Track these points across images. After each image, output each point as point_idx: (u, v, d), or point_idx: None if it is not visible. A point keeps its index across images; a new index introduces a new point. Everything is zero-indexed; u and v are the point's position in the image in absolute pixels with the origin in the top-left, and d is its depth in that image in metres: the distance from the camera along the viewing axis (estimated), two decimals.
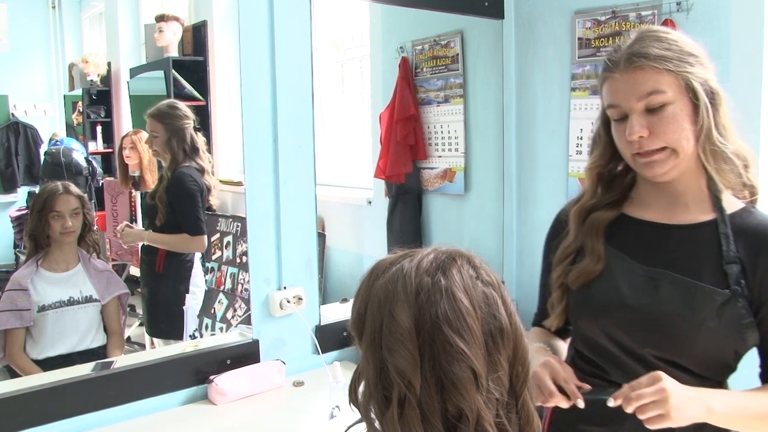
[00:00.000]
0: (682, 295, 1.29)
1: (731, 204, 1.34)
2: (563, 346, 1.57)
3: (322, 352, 2.30)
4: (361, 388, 0.95)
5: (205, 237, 2.90)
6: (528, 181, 2.94)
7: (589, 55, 2.63)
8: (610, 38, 2.56)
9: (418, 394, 0.86)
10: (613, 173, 1.44)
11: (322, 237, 3.65)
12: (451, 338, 0.86)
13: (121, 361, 2.15)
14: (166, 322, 2.85)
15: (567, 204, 1.55)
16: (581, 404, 1.27)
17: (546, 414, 1.54)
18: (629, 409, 1.19)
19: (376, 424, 0.92)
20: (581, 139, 2.68)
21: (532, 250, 2.95)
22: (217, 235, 3.66)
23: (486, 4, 2.84)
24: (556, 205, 2.75)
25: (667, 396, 1.17)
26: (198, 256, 3.00)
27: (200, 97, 4.11)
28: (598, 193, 1.44)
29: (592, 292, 1.39)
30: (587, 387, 1.30)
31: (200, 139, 2.86)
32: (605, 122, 1.39)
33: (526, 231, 2.97)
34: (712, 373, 1.34)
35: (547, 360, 1.35)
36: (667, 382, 1.19)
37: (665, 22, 2.37)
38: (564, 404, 1.30)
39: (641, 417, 1.19)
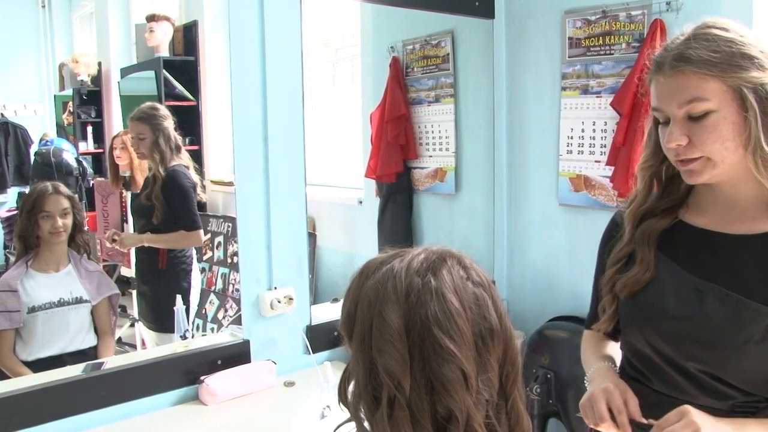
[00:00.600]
0: (728, 312, 1.24)
1: None
2: (618, 349, 1.52)
3: (313, 352, 2.30)
4: (350, 388, 0.95)
5: (201, 231, 2.95)
6: (518, 181, 2.95)
7: (579, 54, 2.64)
8: (600, 38, 2.57)
9: (408, 394, 0.87)
10: (670, 173, 1.36)
11: (313, 237, 3.65)
12: (441, 339, 0.86)
13: (112, 362, 2.15)
14: (172, 316, 2.87)
15: (621, 207, 1.49)
16: None
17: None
18: None
19: (366, 424, 0.93)
20: (572, 138, 2.68)
21: (522, 250, 2.96)
22: (208, 236, 3.66)
23: (476, 3, 2.84)
24: (547, 204, 2.81)
25: (698, 428, 1.13)
26: (194, 252, 3.03)
27: (191, 97, 4.11)
28: (653, 195, 1.38)
29: (640, 301, 1.35)
30: (644, 421, 1.26)
31: (179, 138, 2.94)
32: (657, 121, 1.31)
33: (517, 230, 2.98)
34: (761, 390, 1.27)
35: (608, 386, 1.31)
36: (695, 415, 1.15)
37: (655, 22, 2.37)
38: None
39: None
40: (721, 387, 1.27)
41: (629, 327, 1.40)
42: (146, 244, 2.91)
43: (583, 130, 2.65)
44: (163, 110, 2.93)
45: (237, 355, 2.20)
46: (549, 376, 2.61)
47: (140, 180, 3.21)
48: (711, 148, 1.19)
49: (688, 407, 1.17)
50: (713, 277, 1.27)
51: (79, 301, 2.51)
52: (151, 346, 2.94)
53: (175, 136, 2.91)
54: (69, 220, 2.52)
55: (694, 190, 1.36)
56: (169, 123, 2.89)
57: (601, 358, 1.47)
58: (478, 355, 0.89)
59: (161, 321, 2.93)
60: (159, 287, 2.95)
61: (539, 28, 2.79)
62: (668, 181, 1.37)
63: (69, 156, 3.86)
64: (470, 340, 0.88)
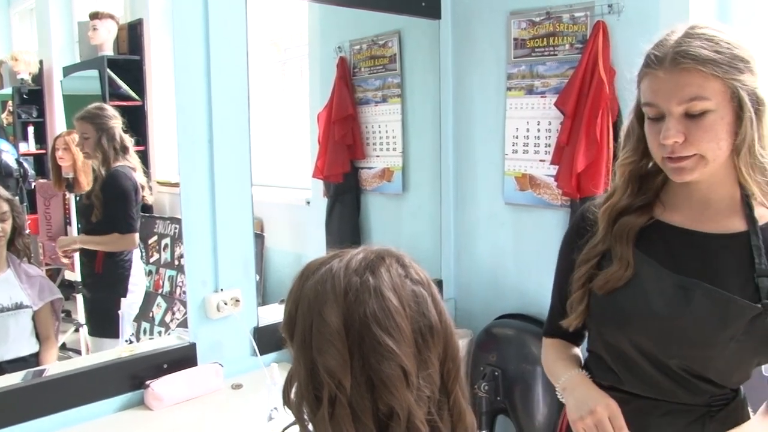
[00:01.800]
0: (714, 308, 1.25)
1: (763, 216, 1.29)
2: (580, 355, 1.53)
3: (261, 354, 2.28)
4: (294, 389, 0.95)
5: (136, 235, 2.93)
6: (465, 180, 2.97)
7: (524, 55, 2.67)
8: (545, 39, 2.61)
9: (349, 393, 0.87)
10: (645, 171, 1.36)
11: (260, 238, 3.63)
12: (380, 337, 0.87)
13: (54, 368, 2.10)
14: (108, 322, 2.83)
15: (590, 203, 1.47)
16: None
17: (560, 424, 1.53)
18: None
19: (309, 425, 0.93)
20: (517, 138, 2.72)
21: (469, 249, 2.99)
22: (155, 238, 3.61)
23: (423, 4, 2.85)
24: (493, 203, 2.84)
25: None
26: (137, 255, 2.99)
27: (136, 97, 4.05)
28: (629, 192, 1.36)
29: (619, 299, 1.33)
30: None
31: (128, 139, 2.92)
32: (639, 116, 1.30)
33: (464, 230, 3.00)
34: (732, 383, 1.33)
35: (611, 404, 1.30)
36: None
37: (597, 24, 2.42)
38: None
39: None
40: (699, 383, 1.29)
41: (608, 325, 1.37)
42: (79, 245, 2.88)
43: (528, 130, 2.69)
44: (109, 110, 2.91)
45: (183, 358, 2.17)
46: (496, 373, 2.64)
47: (84, 181, 3.16)
48: (706, 146, 1.19)
49: None
50: (694, 274, 1.28)
51: (19, 306, 2.45)
52: (98, 347, 2.90)
53: (122, 137, 2.89)
54: (8, 224, 2.45)
55: (668, 188, 1.37)
56: (115, 123, 2.87)
57: (572, 366, 1.45)
58: (418, 352, 0.90)
59: (97, 326, 2.90)
60: (96, 291, 2.92)
61: (485, 28, 2.82)
62: (643, 178, 1.37)
63: (9, 157, 3.77)
64: (410, 338, 0.89)
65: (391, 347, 0.87)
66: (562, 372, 1.43)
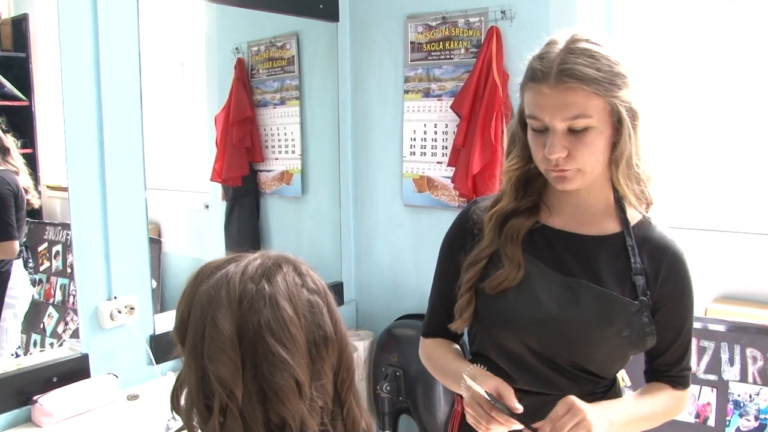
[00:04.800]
0: (601, 306, 1.31)
1: (632, 216, 1.37)
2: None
3: (157, 363, 2.23)
4: (184, 395, 0.92)
5: (15, 242, 2.77)
6: (364, 182, 2.99)
7: (421, 58, 2.71)
8: (441, 43, 2.65)
9: (240, 403, 0.86)
10: (529, 175, 1.40)
11: (157, 243, 3.52)
12: (274, 347, 0.86)
13: None
14: None
15: (475, 206, 1.49)
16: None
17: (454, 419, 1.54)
18: None
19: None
20: (414, 140, 2.75)
21: (369, 251, 3.00)
22: (45, 245, 3.45)
23: (321, 6, 2.85)
24: (392, 205, 2.87)
25: (585, 415, 1.20)
26: (19, 264, 2.84)
27: (22, 97, 3.85)
28: (513, 196, 1.40)
29: (510, 300, 1.36)
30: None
31: (10, 140, 2.77)
32: (522, 123, 1.34)
33: (363, 232, 3.02)
34: (609, 373, 1.41)
35: (498, 382, 1.31)
36: (580, 404, 1.22)
37: (491, 30, 2.48)
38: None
39: None
40: (585, 375, 1.36)
41: (498, 326, 1.40)
42: None
43: (425, 132, 2.73)
44: None
45: (75, 370, 2.09)
46: (398, 373, 2.67)
47: None
48: (587, 160, 1.25)
49: (572, 399, 1.23)
50: (578, 275, 1.34)
51: None
52: None
53: (1, 137, 2.74)
54: None
55: (549, 191, 1.41)
56: None
57: (466, 361, 1.47)
58: (312, 362, 0.89)
59: None
60: None
61: (382, 31, 2.84)
62: (527, 181, 1.41)
63: None
64: (303, 348, 0.88)
65: (284, 357, 0.86)
66: (463, 365, 1.43)
